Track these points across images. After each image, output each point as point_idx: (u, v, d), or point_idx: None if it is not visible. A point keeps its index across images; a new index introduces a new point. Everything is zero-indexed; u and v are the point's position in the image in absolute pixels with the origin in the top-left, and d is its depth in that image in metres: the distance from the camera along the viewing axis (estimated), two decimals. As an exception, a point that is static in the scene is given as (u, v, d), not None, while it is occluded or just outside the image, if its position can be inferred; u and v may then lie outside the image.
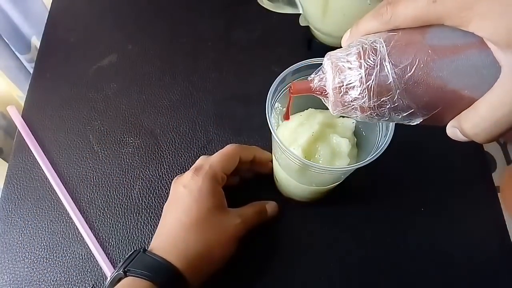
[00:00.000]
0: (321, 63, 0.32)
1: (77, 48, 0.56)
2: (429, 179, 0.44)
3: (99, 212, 0.44)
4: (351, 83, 0.22)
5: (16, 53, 0.74)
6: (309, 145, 0.34)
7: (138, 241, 0.42)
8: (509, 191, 1.19)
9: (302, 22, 0.49)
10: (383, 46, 0.21)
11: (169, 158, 0.46)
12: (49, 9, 0.60)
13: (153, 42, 0.55)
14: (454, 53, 0.20)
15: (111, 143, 0.48)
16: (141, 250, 0.34)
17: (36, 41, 0.78)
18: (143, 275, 0.32)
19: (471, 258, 0.40)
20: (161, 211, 0.38)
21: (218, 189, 0.37)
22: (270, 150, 0.40)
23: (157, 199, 0.44)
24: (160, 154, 0.47)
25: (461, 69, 0.20)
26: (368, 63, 0.21)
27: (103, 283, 0.40)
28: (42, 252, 0.42)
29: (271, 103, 0.32)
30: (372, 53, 0.21)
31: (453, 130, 0.22)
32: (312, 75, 0.26)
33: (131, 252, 0.34)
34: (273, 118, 0.34)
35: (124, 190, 0.45)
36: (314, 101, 0.37)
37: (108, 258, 0.41)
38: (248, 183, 0.43)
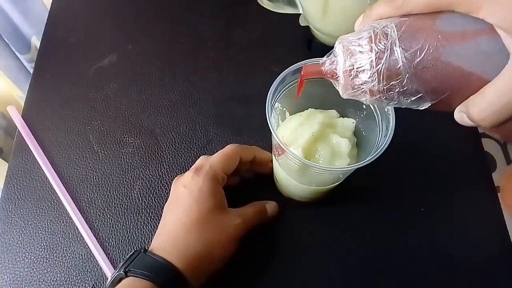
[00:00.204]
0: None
1: (77, 48, 0.56)
2: (429, 179, 0.44)
3: (99, 212, 0.44)
4: (361, 67, 0.23)
5: (16, 53, 0.74)
6: (309, 145, 0.34)
7: (138, 241, 0.42)
8: (509, 191, 1.19)
9: (302, 22, 0.49)
10: (394, 31, 0.22)
11: (169, 158, 0.46)
12: (49, 9, 0.60)
13: (153, 42, 0.55)
14: (463, 39, 0.21)
15: (111, 143, 0.48)
16: (142, 250, 0.34)
17: (36, 41, 0.78)
18: (144, 275, 0.32)
19: (471, 258, 0.40)
20: (161, 211, 0.38)
21: (218, 189, 0.37)
22: (270, 150, 0.40)
23: (157, 199, 0.44)
24: (160, 154, 0.47)
25: (470, 55, 0.21)
26: (378, 47, 0.22)
27: (103, 283, 0.40)
28: (42, 252, 0.42)
29: (271, 103, 0.32)
30: (383, 37, 0.22)
31: (460, 115, 0.23)
32: (324, 58, 0.26)
33: (131, 252, 0.34)
34: (273, 118, 0.34)
35: (124, 190, 0.45)
36: (314, 101, 0.37)
37: (108, 258, 0.41)
38: (248, 183, 0.43)
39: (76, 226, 0.43)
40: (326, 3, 0.41)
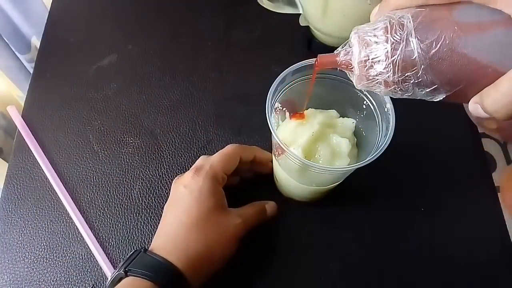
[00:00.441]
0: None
1: (77, 48, 0.56)
2: (429, 179, 0.44)
3: (99, 212, 0.44)
4: (376, 57, 0.23)
5: (16, 53, 0.74)
6: (309, 145, 0.34)
7: (138, 241, 0.42)
8: (509, 191, 1.19)
9: (302, 22, 0.49)
10: (410, 22, 0.21)
11: (169, 158, 0.46)
12: (49, 9, 0.60)
13: (153, 42, 0.55)
14: (480, 30, 0.21)
15: (111, 143, 0.48)
16: (142, 250, 0.34)
17: (36, 41, 0.78)
18: (144, 275, 0.32)
19: (471, 258, 0.40)
20: (161, 211, 0.38)
21: (218, 189, 0.37)
22: (270, 150, 0.40)
23: (157, 199, 0.44)
24: (160, 154, 0.47)
25: (487, 46, 0.21)
26: (394, 37, 0.22)
27: (103, 283, 0.40)
28: (42, 252, 0.42)
29: (271, 103, 0.32)
30: (399, 28, 0.22)
31: (474, 106, 0.23)
32: (339, 49, 0.26)
33: (131, 252, 0.34)
34: (273, 118, 0.34)
35: (124, 190, 0.45)
36: (314, 101, 0.37)
37: (108, 258, 0.41)
38: (248, 183, 0.43)
39: (76, 226, 0.43)
40: (326, 3, 0.41)
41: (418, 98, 0.24)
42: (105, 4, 0.60)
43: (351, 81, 0.26)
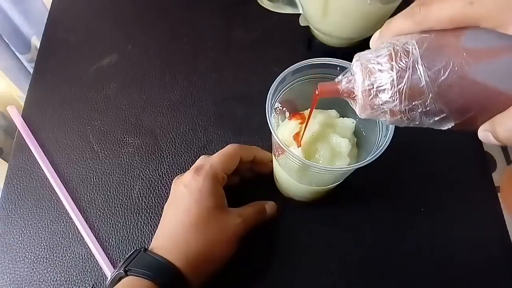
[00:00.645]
0: (321, 63, 0.32)
1: (77, 48, 0.56)
2: (429, 179, 0.44)
3: (99, 212, 0.44)
4: (381, 86, 0.22)
5: (16, 53, 0.74)
6: (309, 145, 0.34)
7: (138, 241, 0.42)
8: (509, 191, 1.19)
9: (302, 22, 0.49)
10: (415, 48, 0.21)
11: (169, 158, 0.46)
12: (49, 9, 0.60)
13: (153, 42, 0.55)
14: (490, 56, 0.20)
15: (111, 143, 0.48)
16: (142, 249, 0.34)
17: (36, 41, 0.78)
18: (144, 275, 0.32)
19: (471, 258, 0.40)
20: (161, 211, 0.38)
21: (218, 189, 0.37)
22: (270, 150, 0.40)
23: (157, 199, 0.44)
24: (160, 154, 0.47)
25: (498, 72, 0.20)
26: (400, 65, 0.21)
27: (103, 283, 0.40)
28: (42, 252, 0.42)
29: (271, 103, 0.32)
30: (404, 55, 0.21)
31: (485, 134, 0.22)
32: (340, 77, 0.25)
33: (131, 252, 0.34)
34: (273, 118, 0.34)
35: (124, 190, 0.45)
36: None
37: (108, 258, 0.41)
38: (248, 183, 0.43)
39: (76, 226, 0.43)
40: (326, 3, 0.41)
41: (425, 126, 0.23)
42: (105, 4, 0.60)
43: None
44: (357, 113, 0.24)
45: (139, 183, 0.45)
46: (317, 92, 0.26)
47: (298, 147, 0.34)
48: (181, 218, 0.35)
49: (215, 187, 0.36)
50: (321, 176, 0.36)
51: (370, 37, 0.25)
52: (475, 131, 0.22)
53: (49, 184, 0.45)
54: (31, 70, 0.57)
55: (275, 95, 0.33)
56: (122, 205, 0.44)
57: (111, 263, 0.41)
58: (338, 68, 0.32)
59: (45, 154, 0.47)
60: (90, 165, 0.47)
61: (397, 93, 0.21)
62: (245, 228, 0.37)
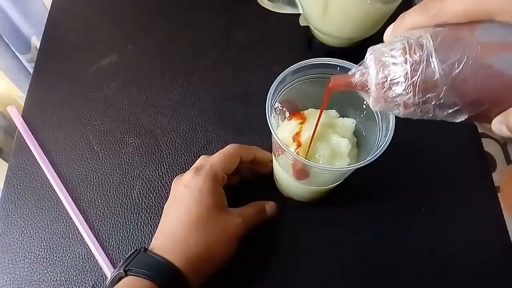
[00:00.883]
0: (321, 63, 0.32)
1: (77, 48, 0.56)
2: (429, 179, 0.44)
3: (99, 212, 0.44)
4: (395, 79, 0.22)
5: (16, 53, 0.74)
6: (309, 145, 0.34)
7: (138, 241, 0.42)
8: (509, 191, 1.19)
9: (302, 22, 0.49)
10: (430, 42, 0.21)
11: (169, 158, 0.46)
12: (49, 9, 0.60)
13: (153, 42, 0.55)
14: (504, 50, 0.20)
15: (111, 143, 0.48)
16: (142, 249, 0.34)
17: (36, 41, 0.78)
18: (144, 275, 0.32)
19: (471, 258, 0.40)
20: (161, 211, 0.38)
21: (218, 189, 0.37)
22: (270, 150, 0.40)
23: (157, 199, 0.44)
24: (160, 154, 0.47)
25: (511, 66, 0.20)
26: (413, 58, 0.21)
27: (103, 283, 0.40)
28: (42, 252, 0.42)
29: (271, 103, 0.32)
30: (418, 48, 0.21)
31: (499, 126, 0.22)
32: (353, 70, 0.25)
33: (131, 252, 0.34)
34: (273, 118, 0.34)
35: (124, 190, 0.45)
36: (314, 101, 0.37)
37: (108, 258, 0.41)
38: (248, 183, 0.43)
39: (76, 226, 0.43)
40: (326, 3, 0.41)
41: (439, 119, 0.23)
42: (105, 4, 0.60)
43: None
44: (371, 106, 0.25)
45: (139, 183, 0.45)
46: (330, 85, 0.26)
47: (299, 147, 0.34)
48: (181, 218, 0.35)
49: (215, 187, 0.36)
50: (321, 176, 0.36)
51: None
52: (489, 123, 0.22)
53: (49, 184, 0.45)
54: (31, 70, 0.57)
55: (275, 95, 0.33)
56: (122, 205, 0.44)
57: (111, 263, 0.41)
58: (338, 68, 0.32)
59: (45, 154, 0.47)
60: (90, 165, 0.47)
61: (411, 86, 0.21)
62: (245, 228, 0.37)
